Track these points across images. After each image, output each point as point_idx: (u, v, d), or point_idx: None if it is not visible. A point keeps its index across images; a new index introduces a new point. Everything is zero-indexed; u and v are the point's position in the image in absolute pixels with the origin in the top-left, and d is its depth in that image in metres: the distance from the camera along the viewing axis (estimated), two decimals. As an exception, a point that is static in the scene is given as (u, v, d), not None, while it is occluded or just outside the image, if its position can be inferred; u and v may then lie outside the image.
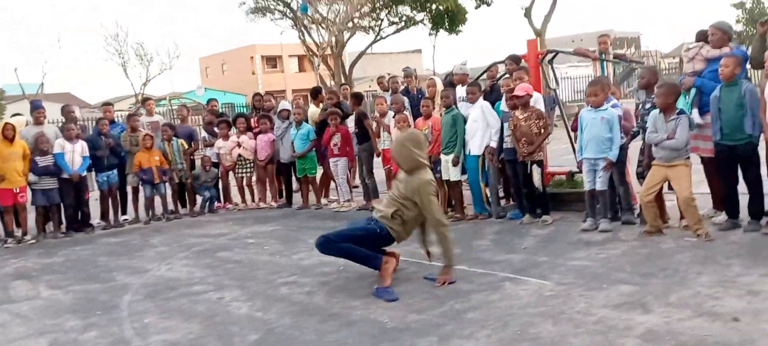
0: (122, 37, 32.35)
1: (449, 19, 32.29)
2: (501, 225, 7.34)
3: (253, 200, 10.54)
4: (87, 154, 9.18)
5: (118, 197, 9.85)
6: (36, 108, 9.62)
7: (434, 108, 8.31)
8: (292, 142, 9.78)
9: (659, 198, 6.27)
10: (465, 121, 7.76)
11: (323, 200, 10.07)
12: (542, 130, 7.01)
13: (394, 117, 8.50)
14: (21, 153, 8.59)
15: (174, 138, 10.02)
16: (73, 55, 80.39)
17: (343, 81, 28.99)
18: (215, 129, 10.55)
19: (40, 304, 5.47)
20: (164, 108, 26.63)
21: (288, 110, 10.16)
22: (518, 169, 7.31)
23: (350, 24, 31.43)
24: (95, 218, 9.62)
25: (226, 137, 10.31)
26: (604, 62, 9.01)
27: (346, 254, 5.31)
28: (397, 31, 33.65)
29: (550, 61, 9.07)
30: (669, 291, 4.44)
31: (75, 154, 9.02)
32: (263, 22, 34.24)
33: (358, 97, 9.82)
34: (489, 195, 7.73)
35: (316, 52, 30.68)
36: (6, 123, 8.65)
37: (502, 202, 8.08)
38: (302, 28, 31.49)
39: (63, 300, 5.54)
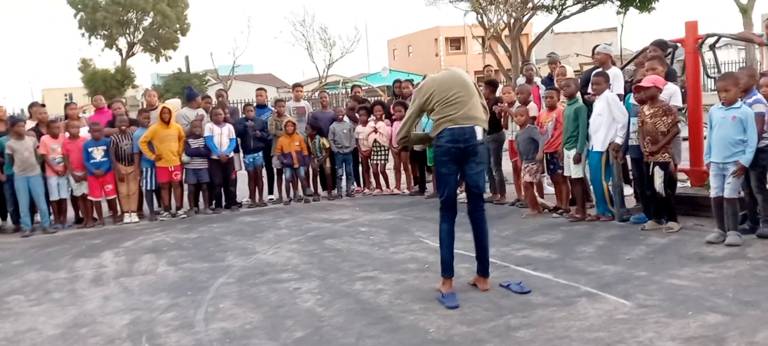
0: (308, 22, 34.13)
1: (640, -4, 29.86)
2: (619, 229, 6.70)
3: (387, 186, 10.68)
4: (234, 136, 9.91)
5: (265, 178, 10.53)
6: (191, 97, 10.53)
7: (560, 99, 7.77)
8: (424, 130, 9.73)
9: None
10: (590, 114, 7.18)
11: (454, 190, 9.90)
12: (669, 129, 6.24)
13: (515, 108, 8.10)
14: (176, 135, 9.48)
15: (317, 136, 10.39)
16: (263, 40, 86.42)
17: (519, 63, 28.21)
18: (356, 115, 10.81)
19: (150, 279, 6.02)
20: (337, 91, 27.70)
21: (421, 98, 10.08)
22: (644, 170, 6.60)
23: (530, 4, 30.37)
24: (244, 196, 10.38)
25: (364, 123, 10.52)
26: (773, 47, 7.81)
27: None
28: (583, 9, 31.85)
29: (712, 46, 8.07)
30: (760, 327, 3.76)
31: (223, 137, 9.78)
32: (444, 5, 34.18)
33: (492, 85, 9.47)
34: (612, 195, 7.08)
35: (485, 34, 30.12)
36: (163, 107, 9.58)
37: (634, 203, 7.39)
38: (480, 10, 31.03)
39: (170, 277, 6.05)
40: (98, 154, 9.20)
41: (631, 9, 30.80)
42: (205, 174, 9.73)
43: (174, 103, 10.40)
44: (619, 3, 30.79)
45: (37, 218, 9.12)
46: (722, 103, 5.69)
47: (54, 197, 9.17)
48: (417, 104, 5.11)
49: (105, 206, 9.59)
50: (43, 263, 6.98)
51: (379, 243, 6.92)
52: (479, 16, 31.51)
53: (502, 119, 8.65)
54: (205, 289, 5.54)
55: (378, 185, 10.66)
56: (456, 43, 50.93)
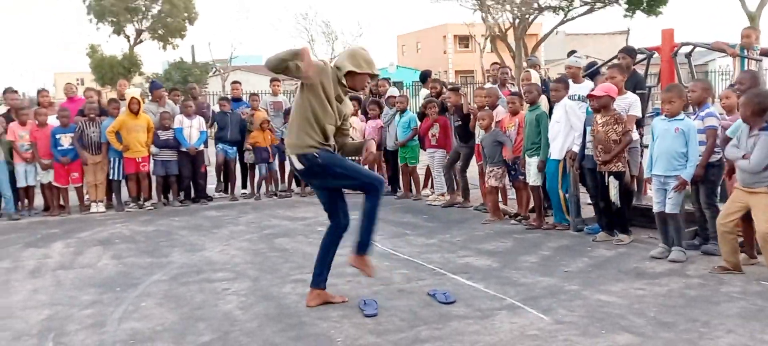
0: (311, 15, 34.14)
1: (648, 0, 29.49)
2: (571, 240, 6.56)
3: (360, 185, 10.56)
4: (204, 129, 9.84)
5: (239, 172, 10.47)
6: (156, 88, 10.49)
7: (522, 105, 7.63)
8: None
9: (750, 228, 5.15)
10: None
11: (424, 192, 9.79)
12: (621, 138, 6.08)
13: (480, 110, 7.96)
14: (145, 126, 9.42)
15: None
16: (262, 31, 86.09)
17: (523, 63, 27.99)
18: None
19: (87, 273, 5.95)
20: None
21: (394, 97, 9.98)
22: (598, 180, 6.44)
23: (535, 4, 30.12)
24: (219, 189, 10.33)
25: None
26: (746, 59, 7.59)
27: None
28: (589, 11, 31.54)
29: (688, 55, 7.89)
30: (667, 353, 3.62)
31: (192, 130, 9.72)
32: (450, 3, 34.02)
33: (455, 90, 9.29)
34: (568, 204, 6.94)
35: (487, 33, 29.94)
36: (133, 97, 9.52)
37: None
38: (485, 9, 30.81)
39: (107, 271, 5.98)
40: (65, 141, 9.16)
41: (638, 12, 30.47)
42: (173, 166, 9.66)
43: (134, 92, 10.32)
44: (626, 6, 30.45)
45: (3, 204, 9.11)
46: (665, 115, 5.53)
47: (21, 184, 9.17)
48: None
49: (74, 196, 9.56)
50: (-10, 251, 6.95)
51: (327, 244, 6.80)
52: (484, 14, 31.30)
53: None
54: (135, 286, 5.46)
55: (350, 184, 10.54)
56: (464, 41, 50.62)
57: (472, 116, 8.42)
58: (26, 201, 9.41)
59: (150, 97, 10.83)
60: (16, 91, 10.08)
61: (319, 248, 4.89)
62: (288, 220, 8.33)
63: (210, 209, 9.40)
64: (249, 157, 10.25)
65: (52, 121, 9.42)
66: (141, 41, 42.17)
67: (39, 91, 10.32)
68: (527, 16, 30.55)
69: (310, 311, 4.64)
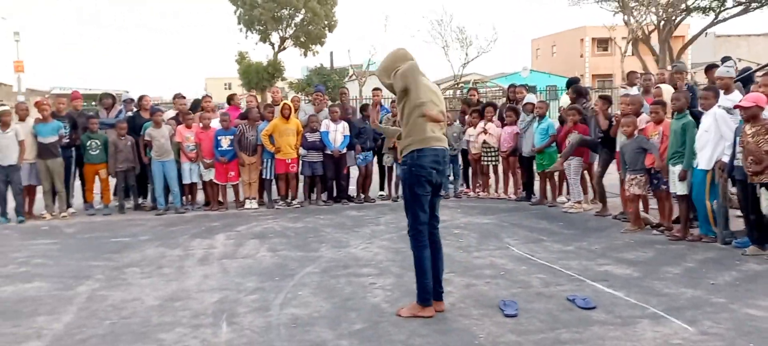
0: (446, 21, 34.41)
1: (812, -3, 27.08)
2: (717, 252, 6.36)
3: (496, 190, 10.72)
4: (348, 133, 10.41)
5: (376, 175, 10.96)
6: (317, 91, 11.19)
7: (665, 113, 7.45)
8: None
9: None
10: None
11: (560, 198, 9.76)
12: (775, 149, 5.83)
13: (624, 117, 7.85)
14: (294, 129, 10.14)
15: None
16: (399, 38, 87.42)
17: (667, 66, 26.70)
18: (466, 117, 10.94)
19: (248, 263, 6.59)
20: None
21: (532, 104, 10.02)
22: (748, 192, 6.20)
23: (683, 5, 28.56)
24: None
25: (474, 125, 10.62)
26: None
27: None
28: (744, 12, 29.42)
29: None
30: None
31: (337, 134, 10.31)
32: (588, 5, 32.95)
33: (606, 99, 9.17)
34: (716, 215, 6.71)
35: (629, 36, 28.76)
36: (284, 103, 10.26)
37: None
38: (628, 10, 29.65)
39: (265, 262, 6.58)
40: (225, 143, 10.06)
41: (801, 10, 28.03)
42: (319, 167, 10.31)
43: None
44: (786, 4, 28.13)
45: (171, 198, 10.16)
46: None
47: (186, 181, 10.18)
48: (413, 68, 4.66)
49: (231, 193, 10.48)
50: (164, 240, 7.82)
51: (465, 246, 7.05)
52: (626, 16, 30.12)
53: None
54: (291, 276, 5.99)
55: (485, 188, 10.73)
56: (603, 43, 48.85)
57: (614, 123, 8.32)
58: (189, 196, 10.43)
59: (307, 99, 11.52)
60: (184, 97, 11.20)
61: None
62: (426, 222, 8.63)
63: (350, 209, 9.93)
64: (387, 160, 10.69)
65: (214, 124, 10.37)
66: (284, 48, 44.46)
67: (174, 97, 11.36)
68: (674, 17, 29.03)
69: (453, 308, 4.90)
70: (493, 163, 10.60)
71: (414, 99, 4.64)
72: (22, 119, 9.78)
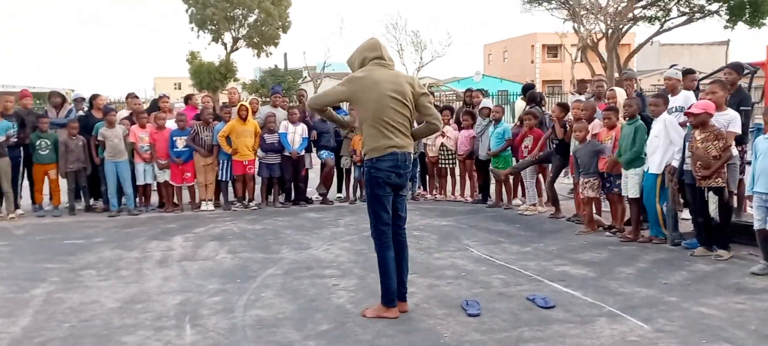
0: (401, 25, 34.74)
1: (751, 10, 28.26)
2: (668, 253, 6.61)
3: (453, 193, 10.86)
4: (306, 136, 10.39)
5: (335, 176, 10.97)
6: (274, 93, 11.15)
7: (618, 119, 7.71)
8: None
9: None
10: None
11: (515, 201, 9.96)
12: (721, 153, 6.11)
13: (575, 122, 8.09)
14: (252, 131, 10.07)
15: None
16: (352, 40, 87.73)
17: (615, 73, 27.50)
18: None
19: (208, 265, 6.53)
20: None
21: (488, 108, 10.20)
22: (697, 195, 6.47)
23: (630, 15, 29.48)
24: (315, 193, 10.87)
25: (432, 130, 10.72)
26: None
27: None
28: (688, 22, 30.57)
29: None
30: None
31: (296, 135, 10.29)
32: (540, 13, 33.67)
33: (564, 106, 9.40)
34: (665, 218, 6.97)
35: (579, 43, 29.52)
36: (241, 105, 10.19)
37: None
38: (577, 19, 30.41)
39: (226, 264, 6.53)
40: (181, 143, 9.92)
41: (740, 23, 29.26)
42: (277, 169, 10.26)
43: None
44: (727, 17, 29.32)
45: (124, 200, 9.95)
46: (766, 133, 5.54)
47: (140, 182, 9.99)
48: (344, 95, 4.71)
49: (186, 194, 10.33)
50: (120, 242, 7.67)
51: (425, 248, 7.14)
52: (576, 24, 30.90)
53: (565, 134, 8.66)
54: (254, 278, 5.97)
55: (442, 191, 10.86)
56: (553, 50, 49.98)
57: (567, 128, 8.56)
58: (143, 198, 10.24)
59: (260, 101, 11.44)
60: (137, 97, 10.99)
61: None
62: (385, 224, 8.70)
63: (309, 211, 9.92)
64: (345, 162, 10.72)
65: (169, 124, 10.21)
66: (237, 49, 43.94)
67: (127, 96, 11.17)
68: (621, 26, 29.94)
69: (418, 309, 4.97)
70: (450, 166, 10.74)
71: (362, 111, 4.64)
72: (-33, 118, 9.44)
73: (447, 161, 10.67)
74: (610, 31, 29.87)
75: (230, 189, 10.42)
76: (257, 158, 10.19)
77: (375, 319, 4.73)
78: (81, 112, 10.48)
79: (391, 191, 4.76)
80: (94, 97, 10.64)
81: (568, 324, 4.55)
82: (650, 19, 30.70)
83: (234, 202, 10.32)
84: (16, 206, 9.65)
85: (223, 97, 30.64)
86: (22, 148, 9.73)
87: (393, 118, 4.59)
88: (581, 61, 32.15)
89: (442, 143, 10.53)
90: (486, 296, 5.25)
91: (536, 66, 50.48)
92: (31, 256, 7.01)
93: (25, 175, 9.98)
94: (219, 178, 10.21)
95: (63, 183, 9.90)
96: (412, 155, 4.83)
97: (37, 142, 9.63)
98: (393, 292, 4.79)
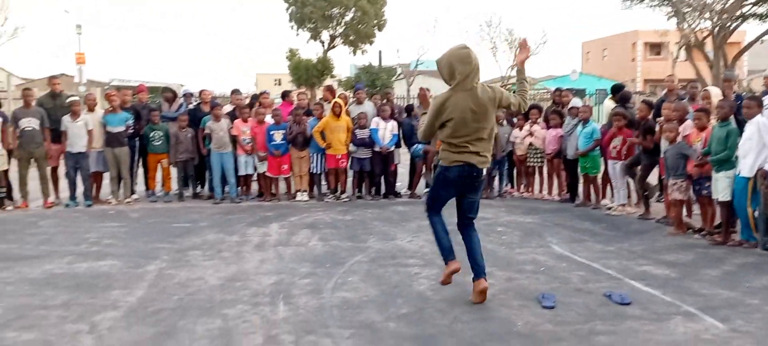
0: (495, 23, 34.47)
1: None
2: (757, 258, 6.50)
3: (540, 191, 10.92)
4: (396, 132, 10.75)
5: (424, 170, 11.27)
6: (357, 90, 11.59)
7: (709, 121, 7.58)
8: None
9: None
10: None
11: (604, 201, 9.91)
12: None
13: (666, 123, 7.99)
14: (345, 126, 10.54)
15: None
16: (445, 39, 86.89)
17: (721, 73, 26.24)
18: (514, 119, 11.16)
19: (301, 250, 7.00)
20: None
21: (577, 108, 10.19)
22: (791, 199, 6.31)
23: (739, 12, 27.98)
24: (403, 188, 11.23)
25: (520, 127, 10.83)
26: None
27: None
28: (803, 18, 28.64)
29: None
30: None
31: (386, 131, 10.67)
32: (641, 9, 32.54)
33: (648, 104, 9.30)
34: (757, 222, 6.82)
35: (680, 42, 28.30)
36: (335, 102, 10.67)
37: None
38: (681, 15, 29.18)
39: (317, 251, 6.99)
40: (278, 136, 10.52)
41: None
42: (368, 163, 10.69)
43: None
44: None
45: (227, 189, 10.67)
46: None
47: (242, 172, 10.68)
48: (432, 121, 5.08)
49: (283, 185, 10.94)
50: (223, 227, 8.30)
51: (507, 243, 7.32)
52: (680, 21, 29.66)
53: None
54: (341, 264, 6.37)
55: (529, 188, 10.94)
56: (656, 48, 48.02)
57: (658, 129, 8.46)
58: (244, 187, 10.94)
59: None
60: (240, 93, 11.71)
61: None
62: (470, 219, 8.92)
63: (397, 204, 10.26)
64: (436, 158, 10.97)
65: (268, 119, 10.83)
66: (334, 46, 45.09)
67: (261, 93, 11.87)
68: (728, 24, 28.48)
69: (494, 299, 5.19)
70: (538, 164, 10.80)
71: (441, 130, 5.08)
72: (90, 109, 10.42)
73: (535, 159, 10.74)
74: (716, 28, 28.48)
75: (323, 182, 10.94)
76: (349, 153, 10.65)
77: (453, 306, 4.99)
78: (190, 106, 11.31)
79: (454, 192, 5.22)
80: (201, 92, 11.44)
81: (643, 321, 4.65)
82: (761, 17, 29.01)
83: (326, 193, 10.83)
84: (132, 192, 10.57)
85: (319, 94, 31.59)
86: (137, 138, 10.64)
87: (468, 136, 4.96)
88: (686, 59, 30.82)
89: (530, 142, 10.61)
90: (563, 291, 5.40)
91: (638, 64, 48.69)
92: (144, 237, 7.74)
93: (140, 163, 10.91)
94: (312, 171, 10.74)
95: (173, 172, 10.75)
96: (482, 171, 5.13)
97: (151, 134, 10.51)
98: (446, 248, 5.32)
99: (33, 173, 10.04)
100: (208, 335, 4.39)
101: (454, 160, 5.03)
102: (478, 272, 5.18)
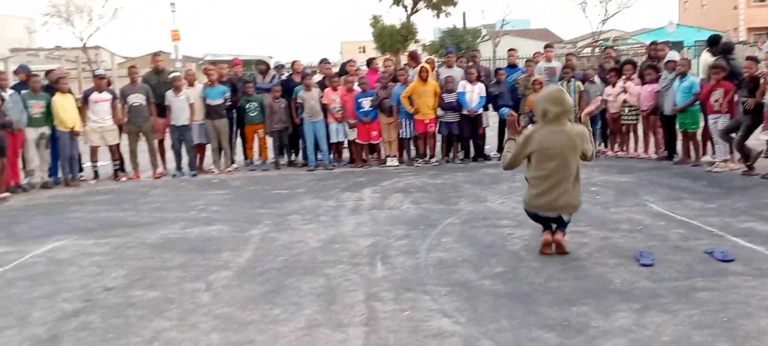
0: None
1: None
2: None
3: (635, 149, 10.64)
4: (484, 94, 10.74)
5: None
6: (448, 53, 11.60)
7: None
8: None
9: None
10: None
11: (705, 158, 9.56)
12: None
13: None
14: (432, 91, 10.63)
15: (572, 79, 10.72)
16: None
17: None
18: (606, 76, 10.88)
19: (394, 213, 7.20)
20: (598, 51, 26.73)
21: (674, 62, 9.81)
22: None
23: None
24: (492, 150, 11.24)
25: (613, 84, 10.56)
26: None
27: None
28: None
29: None
30: None
31: (474, 94, 10.68)
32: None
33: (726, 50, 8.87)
34: None
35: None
36: (422, 66, 10.75)
37: None
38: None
39: (410, 213, 7.17)
40: (366, 104, 10.74)
41: None
42: (456, 127, 10.75)
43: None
44: None
45: (320, 156, 11.02)
46: None
47: (333, 140, 11.00)
48: (519, 152, 5.37)
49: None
50: (318, 192, 8.63)
51: (602, 203, 7.25)
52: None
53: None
54: (434, 226, 6.53)
55: (624, 147, 10.68)
56: (761, -8, 44.82)
57: (761, 82, 8.06)
58: (336, 154, 11.26)
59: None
60: (329, 62, 11.99)
61: None
62: (562, 179, 8.86)
63: (487, 167, 10.30)
64: (522, 119, 10.89)
65: (356, 87, 11.06)
66: (417, 10, 44.84)
67: (320, 62, 12.11)
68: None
69: (590, 258, 5.21)
70: (633, 122, 10.51)
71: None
72: (190, 84, 10.97)
73: (629, 117, 10.46)
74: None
75: (412, 146, 11.10)
76: (437, 117, 10.73)
77: (547, 264, 5.05)
78: (282, 77, 11.69)
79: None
80: (293, 62, 11.80)
81: (745, 277, 4.56)
82: None
83: (416, 158, 10.98)
84: (232, 161, 11.11)
85: (404, 59, 31.65)
86: (235, 110, 11.13)
87: (549, 173, 5.20)
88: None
89: (624, 99, 10.33)
90: (661, 249, 5.34)
91: (740, 12, 45.67)
92: (247, 203, 8.17)
93: (238, 134, 11.43)
94: (401, 136, 10.91)
95: (269, 141, 11.20)
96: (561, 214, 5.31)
97: (247, 105, 10.96)
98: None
99: (142, 146, 10.73)
100: (313, 292, 4.66)
101: (529, 204, 5.39)
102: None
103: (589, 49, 26.34)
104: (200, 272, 5.29)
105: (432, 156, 10.95)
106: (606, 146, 11.08)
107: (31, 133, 9.76)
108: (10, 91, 9.67)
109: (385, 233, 6.31)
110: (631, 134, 10.66)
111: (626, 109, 10.38)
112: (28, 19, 47.41)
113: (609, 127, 10.93)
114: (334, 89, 10.89)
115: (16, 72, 10.24)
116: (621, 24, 54.37)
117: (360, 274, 5.06)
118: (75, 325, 4.21)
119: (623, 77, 10.43)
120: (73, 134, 10.04)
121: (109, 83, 11.27)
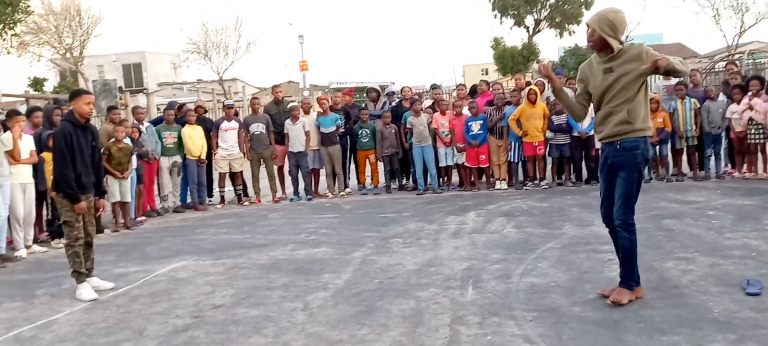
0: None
1: None
2: None
3: (765, 170, 9.94)
4: (594, 115, 10.45)
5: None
6: (557, 74, 11.40)
7: None
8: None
9: None
10: None
11: (843, 179, 8.77)
12: None
13: None
14: (541, 113, 10.52)
15: (686, 97, 10.24)
16: (656, 11, 78.91)
17: None
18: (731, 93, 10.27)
19: (494, 238, 7.22)
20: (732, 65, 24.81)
21: (807, 75, 9.10)
22: None
23: None
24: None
25: (738, 101, 9.95)
26: None
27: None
28: None
29: None
30: None
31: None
32: None
33: None
34: None
35: None
36: (531, 88, 10.66)
37: None
38: None
39: (510, 237, 7.15)
40: (475, 127, 10.80)
41: None
42: (567, 149, 10.55)
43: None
44: None
45: (429, 180, 11.20)
46: None
47: (442, 164, 11.14)
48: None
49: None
50: (423, 216, 8.80)
51: (717, 228, 6.86)
52: None
53: None
54: (533, 250, 6.49)
55: (752, 168, 10.00)
56: None
57: None
58: (446, 178, 11.39)
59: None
60: (440, 87, 12.22)
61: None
62: (677, 203, 8.46)
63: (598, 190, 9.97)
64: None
65: (465, 111, 11.17)
66: (539, 30, 44.26)
67: (431, 87, 12.27)
68: None
69: (692, 286, 4.99)
70: (761, 141, 9.83)
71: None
72: (306, 112, 11.56)
73: (757, 136, 9.80)
74: None
75: (521, 169, 11.01)
76: (547, 139, 10.59)
77: (644, 291, 4.89)
78: (393, 104, 12.03)
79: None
80: (402, 89, 12.12)
81: None
82: None
83: (525, 181, 10.88)
84: (345, 186, 11.55)
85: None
86: (348, 137, 11.59)
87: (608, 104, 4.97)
88: None
89: (750, 117, 9.70)
90: (771, 277, 5.01)
91: None
92: (354, 226, 8.49)
93: (352, 159, 11.88)
94: (509, 159, 10.85)
95: (380, 166, 11.55)
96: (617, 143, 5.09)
97: (359, 132, 11.38)
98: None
99: (262, 172, 11.43)
100: (402, 314, 4.82)
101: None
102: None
103: (722, 64, 24.69)
104: (300, 292, 5.61)
105: (542, 179, 10.79)
106: (733, 167, 10.41)
107: (165, 162, 10.71)
108: (146, 124, 10.68)
109: (482, 257, 6.36)
110: (759, 154, 9.96)
111: (753, 128, 9.73)
112: (174, 55, 51.56)
113: (735, 147, 10.28)
114: (443, 113, 11.06)
115: (164, 109, 11.36)
116: (760, 35, 50.40)
117: (450, 297, 5.15)
118: (183, 339, 4.63)
119: (749, 93, 9.79)
120: (199, 162, 10.90)
121: (236, 113, 12.14)
